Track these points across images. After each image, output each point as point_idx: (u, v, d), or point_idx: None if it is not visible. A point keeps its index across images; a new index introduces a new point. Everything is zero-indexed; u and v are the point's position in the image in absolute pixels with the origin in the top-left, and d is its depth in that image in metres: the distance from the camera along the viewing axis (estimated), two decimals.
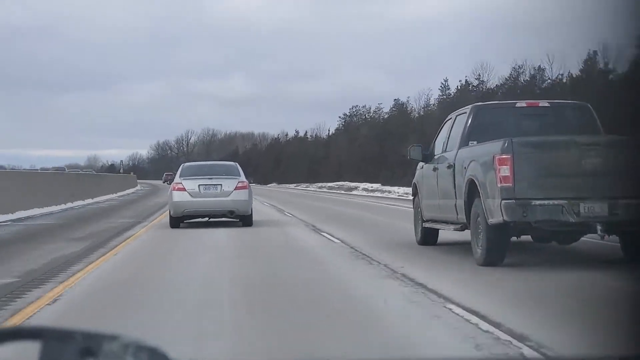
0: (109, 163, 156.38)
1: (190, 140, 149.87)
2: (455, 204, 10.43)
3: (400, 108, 66.79)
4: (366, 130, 67.34)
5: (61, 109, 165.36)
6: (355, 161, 63.98)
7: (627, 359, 2.85)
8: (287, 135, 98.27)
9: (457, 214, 10.40)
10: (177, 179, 19.04)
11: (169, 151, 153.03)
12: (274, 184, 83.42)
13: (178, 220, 18.50)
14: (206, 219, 19.18)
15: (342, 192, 53.92)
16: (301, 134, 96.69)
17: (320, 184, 66.09)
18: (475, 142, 10.44)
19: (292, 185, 75.01)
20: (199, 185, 18.47)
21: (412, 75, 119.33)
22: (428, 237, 12.22)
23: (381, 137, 61.03)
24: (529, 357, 4.98)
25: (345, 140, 70.36)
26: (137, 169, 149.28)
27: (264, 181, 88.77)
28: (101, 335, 1.26)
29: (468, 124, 10.80)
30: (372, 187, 52.26)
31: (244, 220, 18.57)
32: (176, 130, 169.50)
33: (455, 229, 10.66)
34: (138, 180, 79.24)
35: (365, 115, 74.30)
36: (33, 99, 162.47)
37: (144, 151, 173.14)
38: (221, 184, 18.46)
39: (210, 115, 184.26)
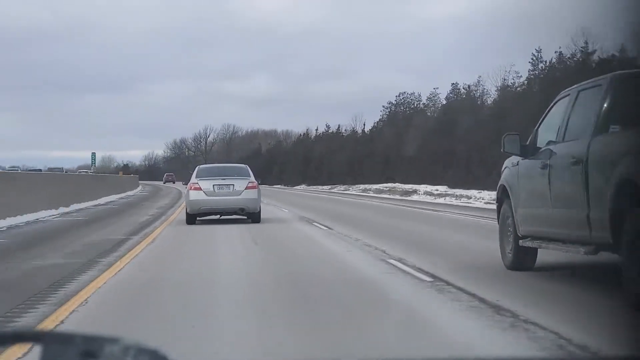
0: (123, 163, 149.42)
1: (209, 138, 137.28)
2: (589, 215, 7.67)
3: (464, 92, 53.93)
4: (422, 120, 54.24)
5: (83, 110, 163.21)
6: (408, 158, 50.99)
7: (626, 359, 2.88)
8: (317, 129, 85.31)
9: (591, 230, 7.66)
10: (193, 179, 20.93)
11: (186, 150, 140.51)
12: (302, 186, 70.43)
13: (194, 217, 20.34)
14: (218, 216, 20.75)
15: (397, 197, 40.74)
16: (333, 128, 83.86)
17: (363, 187, 53.00)
18: (617, 127, 7.62)
19: (325, 188, 62.10)
20: (214, 185, 20.31)
21: (437, 76, 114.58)
22: (524, 259, 9.55)
23: (442, 128, 48.02)
24: (531, 357, 4.97)
25: (392, 133, 57.12)
26: (153, 170, 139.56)
27: (292, 182, 75.76)
28: (102, 338, 1.27)
29: (607, 102, 7.91)
30: (436, 190, 39.18)
31: (253, 217, 20.28)
32: (196, 130, 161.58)
33: (587, 252, 7.81)
34: (143, 182, 73.72)
35: (415, 103, 61.24)
36: (56, 100, 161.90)
37: (160, 151, 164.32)
38: (233, 184, 20.30)
39: (232, 116, 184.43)
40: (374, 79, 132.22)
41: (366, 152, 59.81)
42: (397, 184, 48.28)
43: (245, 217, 20.29)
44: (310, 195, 47.28)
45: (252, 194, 20.05)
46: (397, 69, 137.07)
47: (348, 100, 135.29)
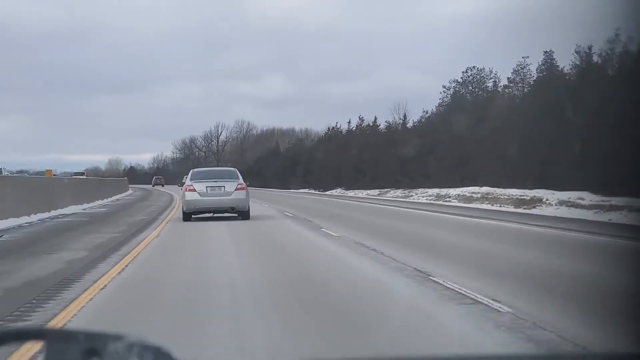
0: (130, 166, 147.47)
1: (221, 136, 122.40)
2: None
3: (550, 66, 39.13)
4: (505, 101, 39.20)
5: (96, 113, 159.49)
6: (488, 152, 36.01)
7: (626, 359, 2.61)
8: (349, 123, 69.96)
9: None
10: (188, 182, 22.95)
11: (196, 150, 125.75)
12: (338, 191, 55.16)
13: (189, 215, 22.29)
14: (211, 214, 22.83)
15: (512, 209, 25.66)
16: (368, 121, 68.70)
17: (435, 192, 37.90)
18: None
19: (371, 192, 47.00)
20: (206, 186, 22.46)
21: (456, 75, 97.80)
22: None
23: (540, 110, 33.02)
24: (531, 354, 4.48)
25: (464, 121, 41.92)
26: (162, 172, 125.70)
27: (323, 186, 60.55)
28: (105, 335, 1.26)
29: None
30: (581, 199, 24.17)
31: (243, 215, 22.42)
32: (207, 128, 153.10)
33: None
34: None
35: (490, 79, 46.09)
36: (70, 102, 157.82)
37: (168, 152, 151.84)
38: (224, 186, 22.44)
39: (245, 117, 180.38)
40: (391, 78, 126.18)
41: (427, 146, 44.53)
42: (486, 187, 33.31)
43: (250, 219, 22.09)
44: (376, 208, 31.17)
45: (241, 194, 22.43)
46: (414, 68, 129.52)
47: (364, 100, 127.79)
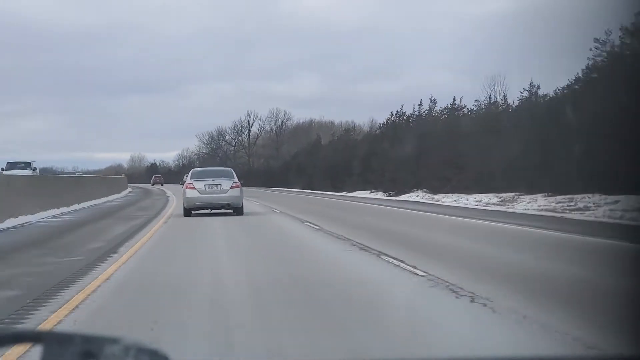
0: (150, 163, 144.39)
1: (253, 127, 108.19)
2: None
3: None
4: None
5: (126, 112, 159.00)
6: None
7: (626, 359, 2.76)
8: (420, 105, 55.15)
9: None
10: (188, 180, 24.82)
11: (224, 144, 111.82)
12: (420, 194, 40.33)
13: (189, 211, 24.27)
14: (209, 210, 24.61)
15: None
16: (440, 103, 54.28)
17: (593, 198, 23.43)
18: None
19: (482, 198, 32.15)
20: (205, 185, 24.24)
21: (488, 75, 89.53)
22: None
23: None
24: (530, 357, 4.88)
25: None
26: (187, 170, 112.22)
27: (393, 188, 45.78)
28: (102, 338, 1.27)
29: None
30: None
31: (237, 210, 24.44)
32: (236, 118, 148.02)
33: None
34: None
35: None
36: (101, 102, 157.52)
37: (192, 146, 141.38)
38: (220, 184, 24.32)
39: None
40: (426, 78, 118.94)
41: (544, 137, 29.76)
42: None
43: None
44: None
45: (236, 192, 24.37)
46: (448, 68, 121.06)
47: (400, 99, 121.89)
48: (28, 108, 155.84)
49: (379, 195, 45.58)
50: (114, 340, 1.26)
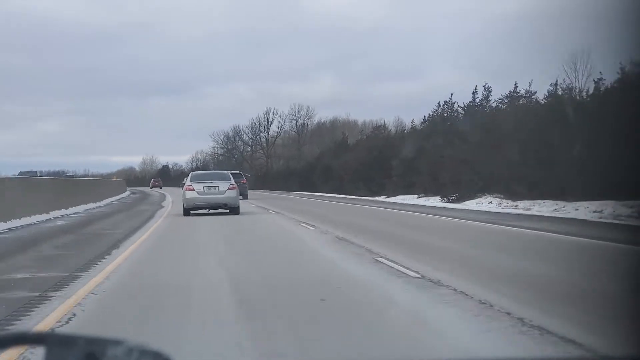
0: (162, 165, 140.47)
1: (272, 125, 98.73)
2: None
3: None
4: None
5: (142, 114, 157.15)
6: None
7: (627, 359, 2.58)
8: (474, 92, 45.56)
9: None
10: (188, 182, 26.41)
11: (240, 145, 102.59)
12: (490, 199, 30.30)
13: (189, 211, 25.79)
14: (207, 210, 26.05)
15: None
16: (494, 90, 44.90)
17: None
18: None
19: (601, 207, 22.69)
20: (203, 186, 25.79)
21: (512, 76, 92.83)
22: None
23: None
24: (531, 358, 4.79)
25: None
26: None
27: (453, 192, 36.14)
28: (105, 340, 1.27)
29: None
30: None
31: (233, 210, 25.97)
32: (254, 115, 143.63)
33: None
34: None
35: None
36: (119, 106, 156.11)
37: (207, 147, 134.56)
38: (218, 186, 25.88)
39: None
40: (445, 78, 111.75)
41: None
42: None
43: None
44: None
45: (232, 193, 25.86)
46: (467, 67, 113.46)
47: (420, 100, 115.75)
48: (44, 110, 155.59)
49: (433, 201, 36.09)
50: (116, 342, 1.24)
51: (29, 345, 1.33)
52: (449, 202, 33.74)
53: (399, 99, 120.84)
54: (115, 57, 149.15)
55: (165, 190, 69.30)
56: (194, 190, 25.79)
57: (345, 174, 57.16)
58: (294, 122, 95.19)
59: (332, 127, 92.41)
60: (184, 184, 27.40)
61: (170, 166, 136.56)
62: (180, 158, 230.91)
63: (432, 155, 41.82)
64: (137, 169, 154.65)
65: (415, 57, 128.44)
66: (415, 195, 41.12)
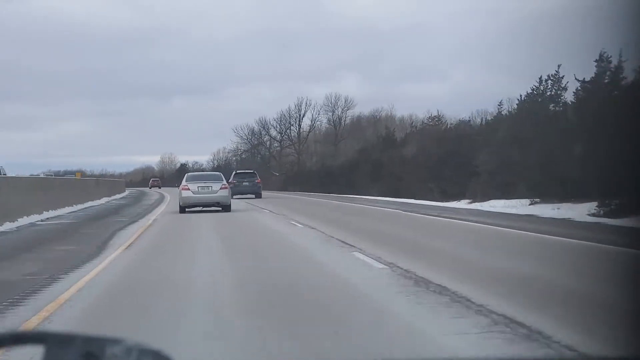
0: (181, 163, 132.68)
1: (304, 117, 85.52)
2: None
3: None
4: None
5: (167, 115, 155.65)
6: None
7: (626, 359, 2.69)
8: (600, 59, 32.72)
9: None
10: (184, 183, 28.37)
11: (267, 140, 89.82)
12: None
13: (184, 208, 27.67)
14: (200, 208, 27.81)
15: None
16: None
17: None
18: None
19: None
20: (198, 186, 27.78)
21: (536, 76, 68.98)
22: None
23: None
24: (529, 357, 4.77)
25: None
26: (220, 170, 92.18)
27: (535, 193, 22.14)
28: (104, 339, 1.26)
29: None
30: None
31: (225, 208, 27.79)
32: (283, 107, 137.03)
33: None
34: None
35: None
36: (142, 105, 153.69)
37: (230, 143, 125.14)
38: (211, 186, 27.89)
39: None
40: (473, 79, 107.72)
41: None
42: None
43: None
44: None
45: (224, 192, 27.91)
46: (496, 68, 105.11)
47: (447, 101, 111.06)
48: (68, 110, 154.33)
49: (566, 209, 22.97)
50: (115, 341, 1.24)
51: (28, 344, 1.26)
52: (611, 215, 20.47)
53: (427, 100, 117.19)
54: (139, 59, 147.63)
55: (169, 192, 58.91)
56: (189, 189, 27.89)
57: (404, 172, 43.98)
58: (329, 113, 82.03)
59: (374, 120, 79.61)
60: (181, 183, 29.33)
61: (190, 165, 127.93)
62: (201, 157, 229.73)
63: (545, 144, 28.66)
64: (156, 168, 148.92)
65: (443, 56, 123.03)
66: (527, 201, 28.06)
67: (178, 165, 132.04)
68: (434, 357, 5.14)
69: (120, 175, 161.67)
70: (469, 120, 53.39)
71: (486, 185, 33.85)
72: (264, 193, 48.12)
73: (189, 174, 31.90)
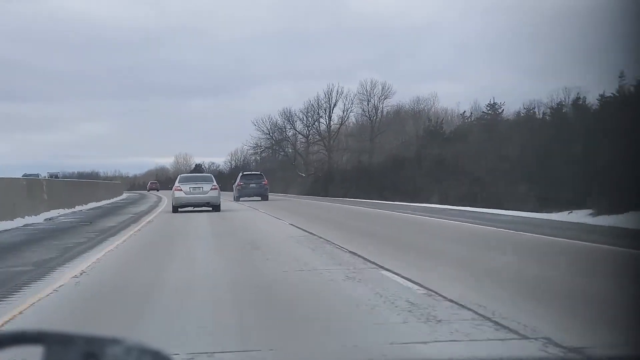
0: (196, 164, 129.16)
1: (336, 106, 74.41)
2: None
3: None
4: None
5: (184, 116, 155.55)
6: None
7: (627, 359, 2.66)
8: None
9: None
10: (176, 184, 30.38)
11: (292, 135, 79.08)
12: None
13: (177, 208, 29.54)
14: (192, 208, 29.55)
15: None
16: None
17: None
18: None
19: None
20: (190, 187, 29.65)
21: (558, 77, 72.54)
22: None
23: None
24: (531, 357, 4.69)
25: None
26: (239, 171, 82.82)
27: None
28: (104, 339, 1.25)
29: None
30: None
31: (215, 208, 29.55)
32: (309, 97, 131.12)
33: None
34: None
35: None
36: (159, 105, 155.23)
37: (250, 139, 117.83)
38: (202, 187, 29.68)
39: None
40: (496, 78, 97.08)
41: None
42: None
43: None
44: None
45: (214, 193, 29.63)
46: (518, 68, 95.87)
47: (466, 100, 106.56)
48: (88, 112, 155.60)
49: None
50: (115, 341, 1.23)
51: (27, 344, 1.24)
52: None
53: (448, 99, 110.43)
54: (157, 58, 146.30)
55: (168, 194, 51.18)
56: (181, 190, 29.74)
57: (480, 172, 33.10)
58: (365, 103, 71.04)
59: (414, 113, 68.90)
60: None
61: (206, 166, 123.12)
62: (218, 159, 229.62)
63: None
64: (170, 169, 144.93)
65: (465, 55, 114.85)
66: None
67: (193, 166, 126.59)
68: (432, 358, 5.12)
69: (135, 177, 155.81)
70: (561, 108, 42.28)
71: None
72: (284, 197, 47.55)
73: (182, 175, 34.64)
